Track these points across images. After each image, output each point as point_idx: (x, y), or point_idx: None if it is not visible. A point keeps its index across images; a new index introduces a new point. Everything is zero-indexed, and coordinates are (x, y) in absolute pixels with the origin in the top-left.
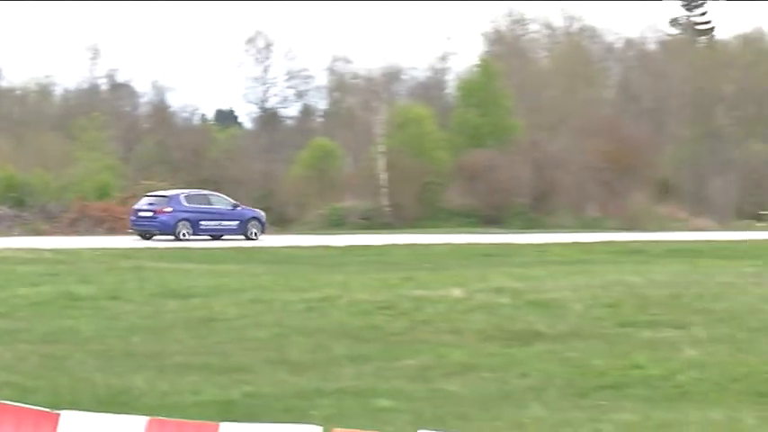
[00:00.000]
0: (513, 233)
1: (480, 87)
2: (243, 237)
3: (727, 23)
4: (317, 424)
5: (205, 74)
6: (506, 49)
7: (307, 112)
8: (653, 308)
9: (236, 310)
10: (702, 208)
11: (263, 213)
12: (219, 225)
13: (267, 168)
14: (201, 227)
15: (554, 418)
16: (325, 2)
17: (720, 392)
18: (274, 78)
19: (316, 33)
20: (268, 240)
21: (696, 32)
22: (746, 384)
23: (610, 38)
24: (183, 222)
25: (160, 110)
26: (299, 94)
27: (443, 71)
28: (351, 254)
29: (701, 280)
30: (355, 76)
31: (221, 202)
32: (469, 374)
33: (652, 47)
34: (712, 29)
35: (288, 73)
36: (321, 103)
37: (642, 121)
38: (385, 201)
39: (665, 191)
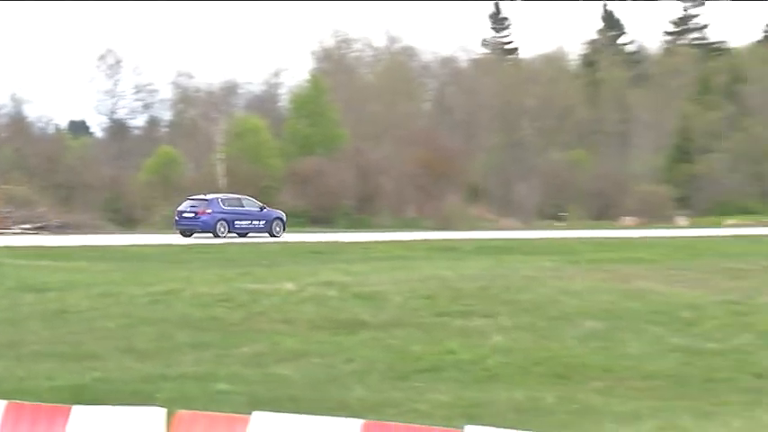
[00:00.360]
0: (340, 232)
1: (310, 101)
2: (268, 234)
3: (531, 44)
4: (161, 406)
5: (60, 87)
6: (333, 65)
7: (153, 122)
8: (465, 299)
9: (87, 303)
10: (508, 209)
11: (284, 214)
12: (251, 224)
13: (116, 174)
14: (236, 226)
15: (376, 399)
16: (170, 21)
17: (524, 375)
18: (123, 92)
19: (161, 50)
20: (116, 239)
21: (503, 52)
22: (547, 367)
23: (427, 56)
24: (221, 222)
25: (17, 120)
26: (146, 106)
27: (277, 86)
28: (193, 252)
29: (507, 274)
30: (197, 90)
31: (251, 204)
32: (300, 360)
33: (464, 65)
34: (517, 49)
35: (135, 87)
36: (166, 115)
37: (455, 131)
38: None
39: (475, 194)
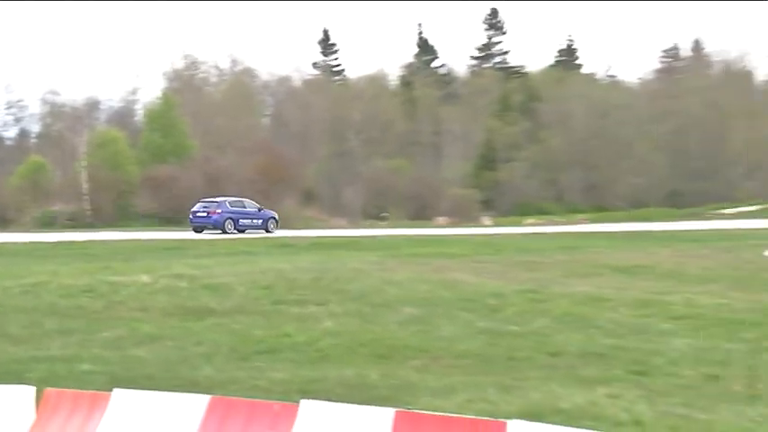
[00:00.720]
0: (190, 231)
1: (162, 115)
2: (264, 231)
3: (356, 65)
4: (31, 384)
5: None
6: (183, 84)
7: (23, 134)
8: (299, 289)
9: None
10: (338, 211)
11: (276, 214)
12: (251, 222)
13: None
14: (240, 223)
15: (222, 377)
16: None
17: (352, 355)
18: None
19: (31, 70)
20: None
21: (332, 73)
22: (371, 348)
23: (265, 76)
24: (229, 220)
25: None
26: (17, 120)
27: (133, 102)
28: (60, 248)
29: (337, 267)
30: (63, 105)
31: (251, 206)
32: (155, 343)
33: (298, 84)
34: (344, 70)
35: (7, 103)
36: (35, 127)
37: (291, 142)
38: (87, 205)
39: (309, 197)
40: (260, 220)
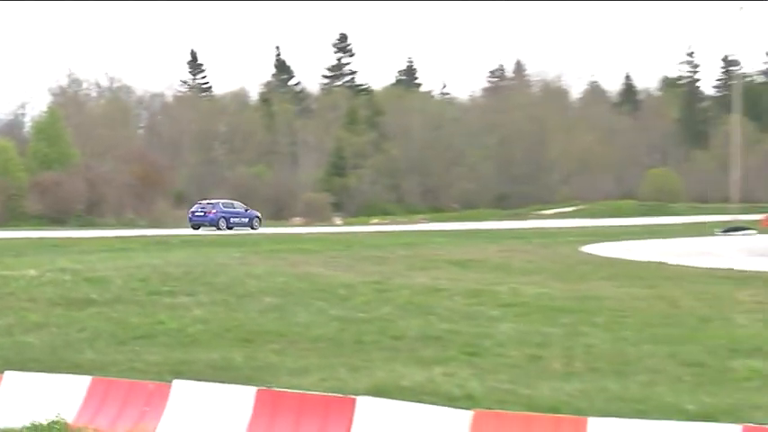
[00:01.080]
0: (74, 230)
1: (48, 127)
2: (249, 228)
3: (221, 82)
4: None
5: None
6: (67, 99)
7: None
8: (172, 281)
9: None
10: None
11: (259, 213)
12: (240, 220)
13: None
14: (231, 221)
15: (103, 360)
16: None
17: (218, 339)
18: None
19: None
20: None
21: (199, 89)
22: (236, 334)
23: (140, 92)
24: (222, 219)
25: None
26: None
27: (22, 115)
28: None
29: (205, 262)
30: None
31: (239, 206)
32: (42, 330)
33: (170, 99)
34: (210, 87)
35: None
36: None
37: (164, 151)
38: None
39: (180, 200)
40: (246, 219)
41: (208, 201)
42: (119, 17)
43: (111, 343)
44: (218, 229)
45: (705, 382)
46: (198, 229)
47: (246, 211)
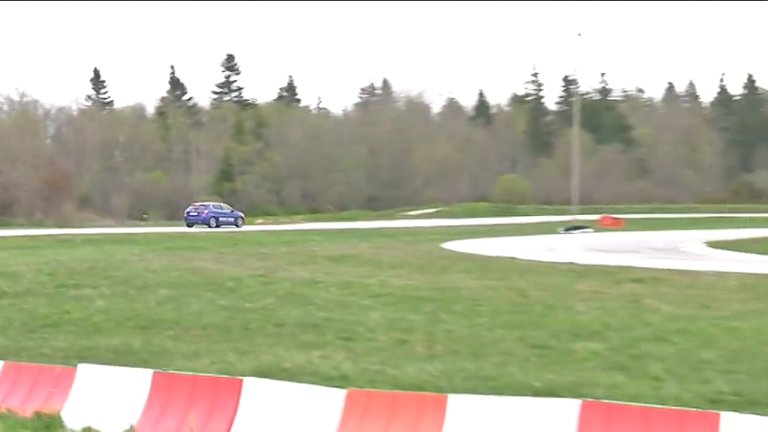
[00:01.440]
0: None
1: None
2: (234, 226)
3: (121, 97)
4: None
5: None
6: None
7: None
8: (77, 276)
9: None
10: (107, 213)
11: (242, 214)
12: (227, 219)
13: None
14: (220, 220)
15: (14, 346)
16: None
17: (119, 327)
18: None
19: None
20: None
21: (102, 103)
22: (135, 322)
23: (48, 106)
24: (212, 218)
25: None
26: None
27: None
28: None
29: (107, 258)
30: None
31: (226, 208)
32: None
33: (75, 112)
34: (112, 101)
35: None
36: None
37: (69, 158)
38: None
39: (84, 202)
40: (232, 218)
41: (201, 203)
42: (28, 37)
43: (22, 331)
44: (209, 226)
45: (550, 363)
46: (192, 226)
47: (232, 211)
